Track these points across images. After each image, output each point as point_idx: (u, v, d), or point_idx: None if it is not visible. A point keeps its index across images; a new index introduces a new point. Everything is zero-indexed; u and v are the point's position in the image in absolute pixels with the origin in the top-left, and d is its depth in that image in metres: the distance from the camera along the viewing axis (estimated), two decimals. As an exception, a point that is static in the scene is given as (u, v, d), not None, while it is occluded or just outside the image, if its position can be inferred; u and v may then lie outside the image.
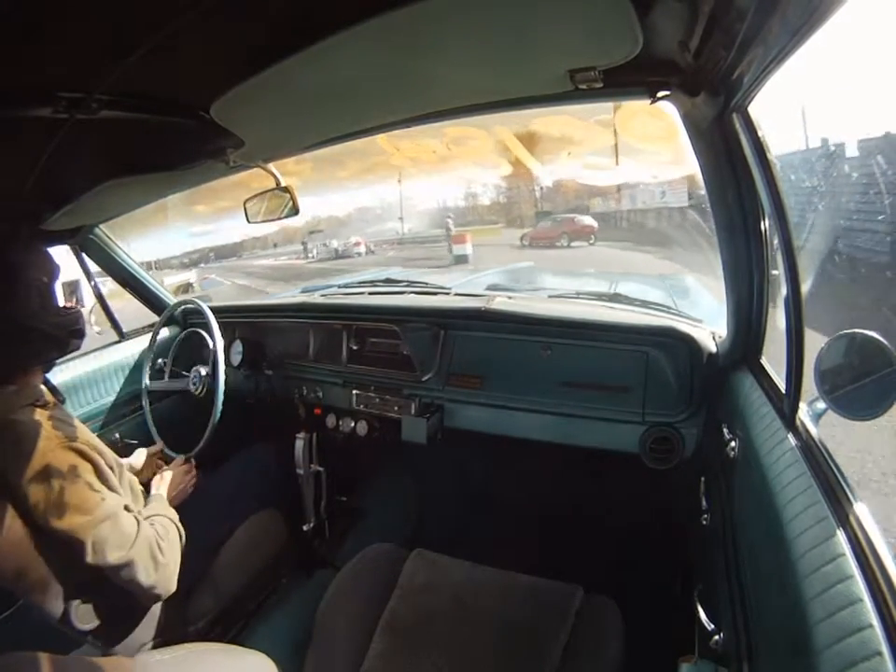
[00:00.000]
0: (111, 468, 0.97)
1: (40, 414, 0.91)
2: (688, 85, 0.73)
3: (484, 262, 8.44)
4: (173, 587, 0.99)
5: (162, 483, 1.22)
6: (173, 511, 1.13)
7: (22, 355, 0.97)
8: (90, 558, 0.88)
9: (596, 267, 6.92)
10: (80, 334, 1.06)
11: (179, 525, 1.09)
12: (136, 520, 0.96)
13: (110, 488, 0.94)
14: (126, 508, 0.96)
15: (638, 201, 9.75)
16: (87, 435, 0.97)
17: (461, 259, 8.77)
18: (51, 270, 0.99)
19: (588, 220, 10.52)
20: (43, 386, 1.04)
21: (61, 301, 1.00)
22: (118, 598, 0.96)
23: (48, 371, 1.07)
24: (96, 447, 0.95)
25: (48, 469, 0.86)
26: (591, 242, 9.98)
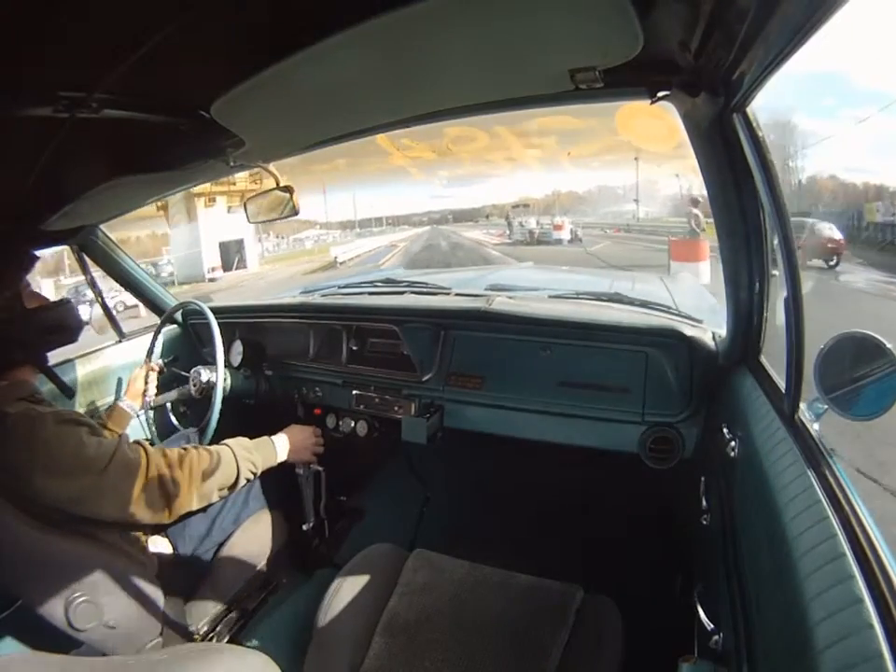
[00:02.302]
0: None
1: (33, 406, 0.93)
2: (688, 85, 0.73)
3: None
4: (186, 506, 1.01)
5: (285, 431, 1.32)
6: (248, 441, 1.19)
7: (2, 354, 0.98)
8: (111, 512, 0.90)
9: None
10: (58, 329, 1.06)
11: (242, 452, 1.14)
12: (145, 455, 0.97)
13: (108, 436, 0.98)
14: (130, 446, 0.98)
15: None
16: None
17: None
18: (18, 273, 1.01)
19: (830, 231, 7.28)
20: (51, 383, 1.04)
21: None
22: (118, 598, 0.96)
23: (44, 363, 1.08)
24: (89, 419, 0.98)
25: (45, 446, 0.87)
26: (831, 264, 6.92)
